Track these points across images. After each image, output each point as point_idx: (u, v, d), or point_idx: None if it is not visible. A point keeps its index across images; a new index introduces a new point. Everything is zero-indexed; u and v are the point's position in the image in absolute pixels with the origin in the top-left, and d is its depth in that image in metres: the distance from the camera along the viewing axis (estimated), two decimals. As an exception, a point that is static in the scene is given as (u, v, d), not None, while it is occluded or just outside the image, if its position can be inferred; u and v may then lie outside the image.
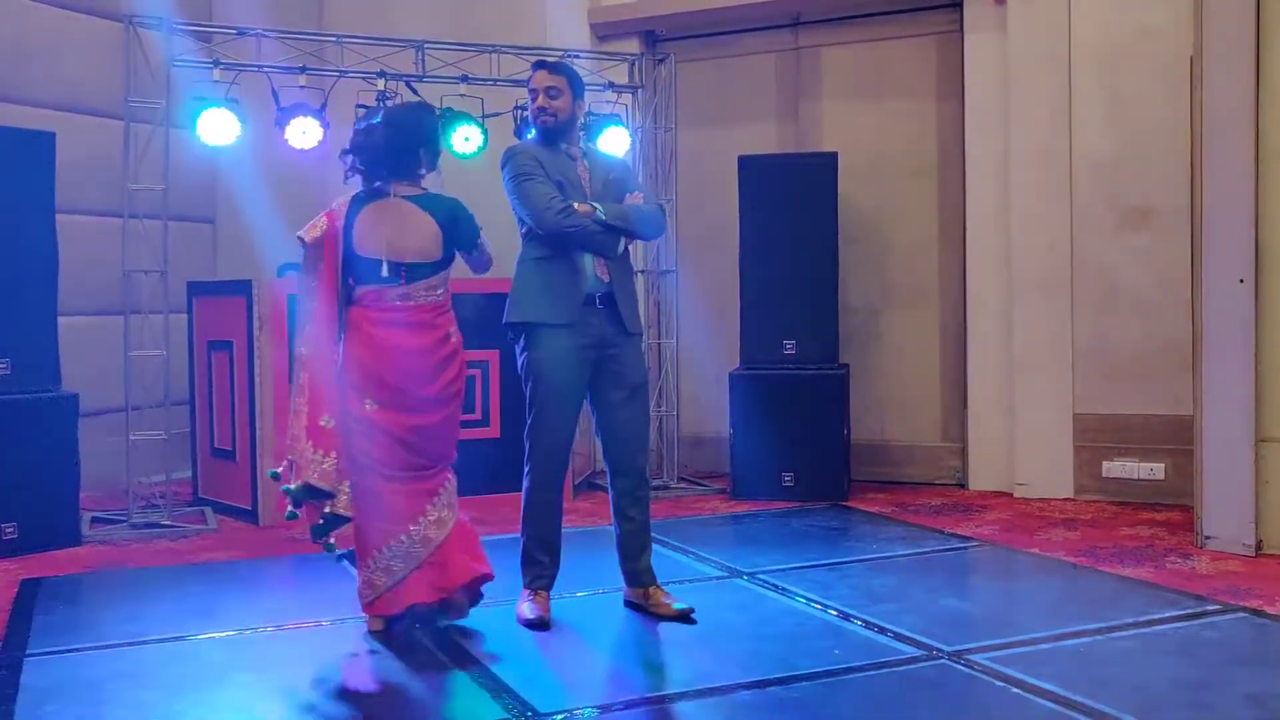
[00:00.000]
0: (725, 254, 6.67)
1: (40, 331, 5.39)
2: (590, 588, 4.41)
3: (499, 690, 3.38)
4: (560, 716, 3.18)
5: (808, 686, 3.38)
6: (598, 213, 3.95)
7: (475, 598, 4.08)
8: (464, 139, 6.35)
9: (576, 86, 4.10)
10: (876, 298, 7.02)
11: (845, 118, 7.10)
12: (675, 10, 7.18)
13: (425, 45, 6.37)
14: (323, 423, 3.85)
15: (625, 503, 4.13)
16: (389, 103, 5.96)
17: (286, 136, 6.00)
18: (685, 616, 4.02)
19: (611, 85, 6.77)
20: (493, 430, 6.25)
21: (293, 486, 3.84)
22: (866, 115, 7.05)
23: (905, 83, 6.96)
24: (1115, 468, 6.16)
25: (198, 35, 6.11)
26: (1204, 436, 5.01)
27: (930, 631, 3.84)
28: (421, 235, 3.90)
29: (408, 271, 3.88)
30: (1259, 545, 4.87)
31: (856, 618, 4.04)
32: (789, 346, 6.42)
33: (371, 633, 3.93)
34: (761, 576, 4.64)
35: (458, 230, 3.97)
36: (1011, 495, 6.35)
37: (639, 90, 6.96)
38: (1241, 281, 4.87)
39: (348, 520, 3.89)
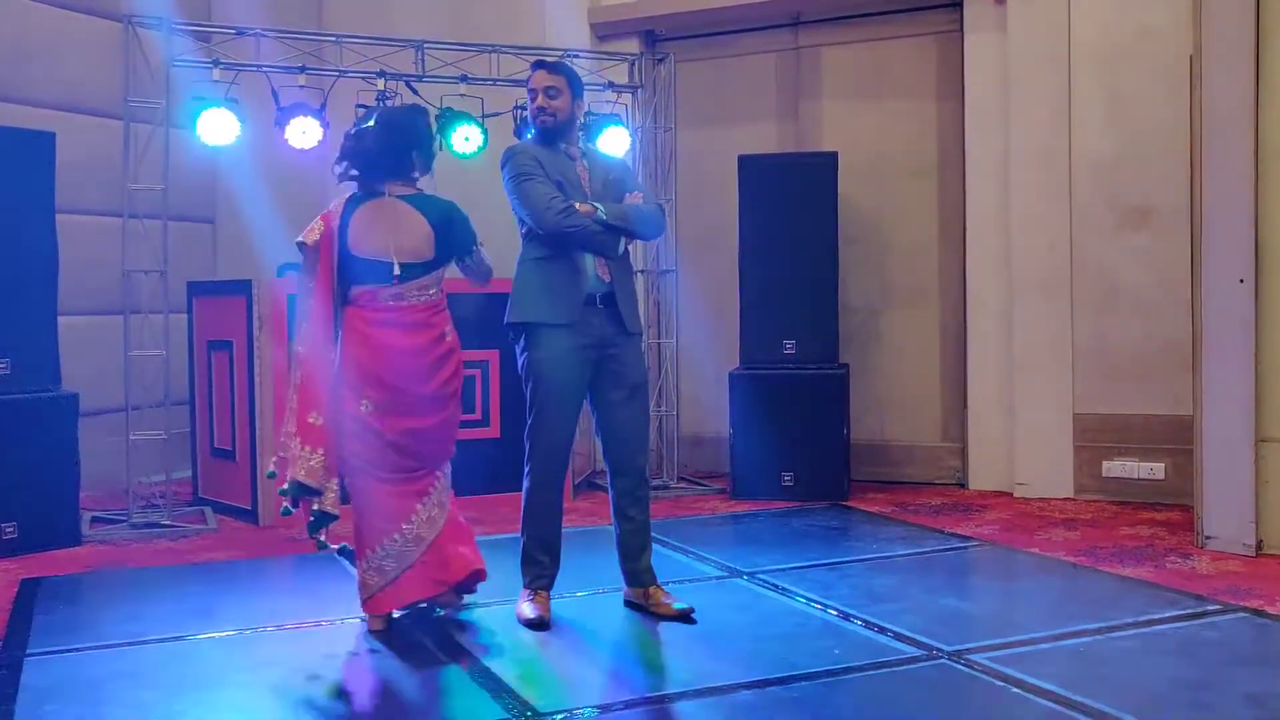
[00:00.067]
0: (725, 254, 6.67)
1: (40, 331, 5.39)
2: (590, 587, 4.40)
3: (499, 690, 3.38)
4: (560, 716, 3.18)
5: (808, 686, 3.37)
6: (598, 213, 3.95)
7: (468, 589, 4.13)
8: (464, 139, 6.35)
9: (575, 86, 4.10)
10: (876, 297, 7.02)
11: (845, 117, 7.10)
12: (675, 10, 7.18)
13: (425, 45, 6.37)
14: (311, 419, 3.87)
15: (625, 502, 4.13)
16: (388, 102, 5.97)
17: (286, 136, 6.00)
18: (685, 616, 4.02)
19: (611, 85, 6.77)
20: (492, 430, 6.25)
21: (286, 486, 3.87)
22: (866, 115, 7.05)
23: (905, 82, 6.97)
24: (1115, 467, 6.16)
25: (197, 35, 6.12)
26: (1204, 436, 5.01)
27: (930, 631, 3.84)
28: (414, 235, 3.91)
29: (401, 272, 3.89)
30: (1259, 545, 4.87)
31: (856, 617, 4.04)
32: (789, 346, 6.42)
33: (372, 632, 3.94)
34: (761, 576, 4.64)
35: (451, 231, 3.97)
36: (1011, 495, 6.35)
37: (639, 90, 6.96)
38: (1241, 281, 4.87)
39: (335, 518, 3.90)
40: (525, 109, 4.73)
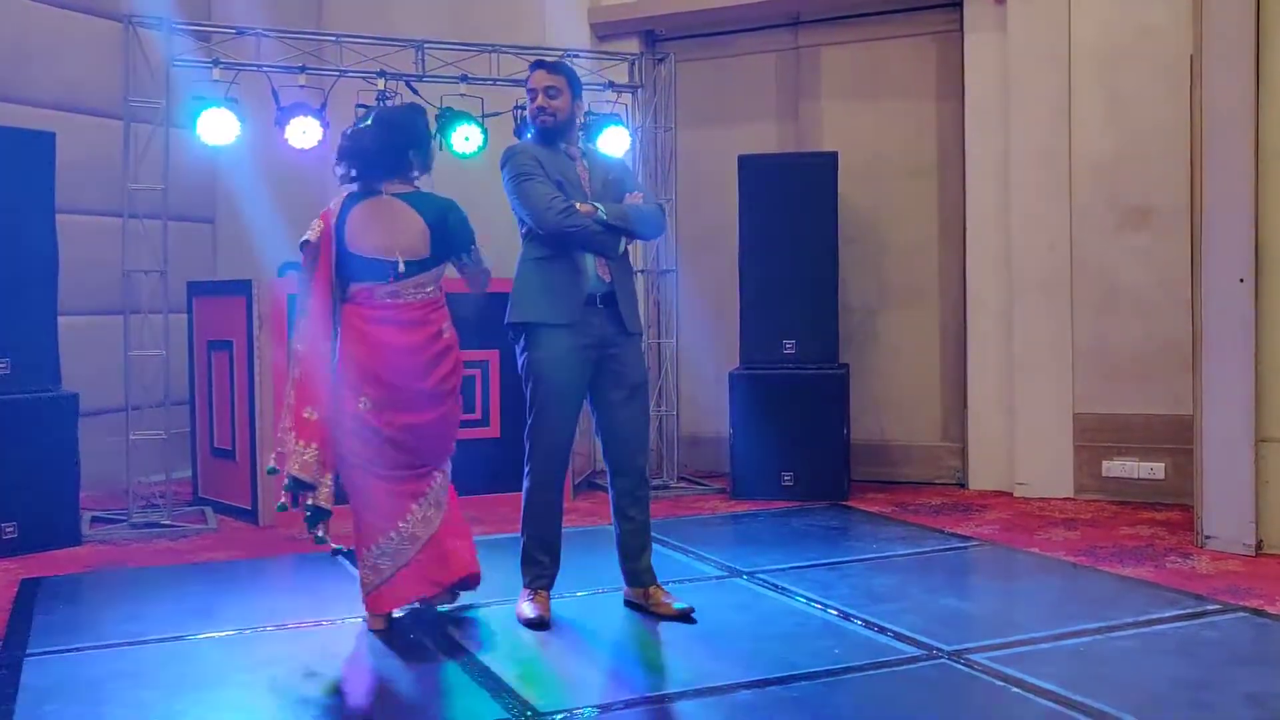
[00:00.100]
0: (725, 254, 6.67)
1: (40, 331, 5.39)
2: (590, 587, 4.40)
3: (499, 689, 3.38)
4: (560, 716, 3.18)
5: (808, 686, 3.37)
6: (599, 213, 3.95)
7: (465, 587, 4.15)
8: (464, 139, 6.35)
9: (575, 86, 4.10)
10: (876, 297, 7.02)
11: (845, 117, 7.10)
12: (675, 10, 7.18)
13: (425, 45, 6.37)
14: (307, 415, 3.88)
15: (625, 502, 4.13)
16: (388, 102, 5.97)
17: (286, 136, 6.00)
18: (685, 616, 4.02)
19: (611, 85, 6.77)
20: (492, 430, 6.25)
21: (286, 481, 3.88)
22: (866, 115, 7.05)
23: (905, 82, 6.97)
24: (1115, 467, 6.17)
25: (197, 35, 6.12)
26: (1204, 436, 5.01)
27: (930, 631, 3.84)
28: (409, 233, 3.92)
29: (395, 270, 3.90)
30: (1259, 545, 4.87)
31: (856, 617, 4.04)
32: (789, 346, 6.42)
33: (372, 631, 3.94)
34: (761, 576, 4.64)
35: (447, 230, 3.97)
36: (1011, 495, 6.35)
37: (639, 90, 6.96)
38: (1241, 281, 4.87)
39: (329, 513, 3.91)
40: (525, 109, 4.74)
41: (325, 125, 6.00)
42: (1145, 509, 5.91)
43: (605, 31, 7.37)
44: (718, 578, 4.68)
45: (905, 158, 6.96)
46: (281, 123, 5.97)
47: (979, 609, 4.35)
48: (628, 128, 6.70)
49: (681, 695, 3.33)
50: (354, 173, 3.98)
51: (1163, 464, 6.05)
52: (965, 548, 5.23)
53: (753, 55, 7.35)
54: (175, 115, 5.86)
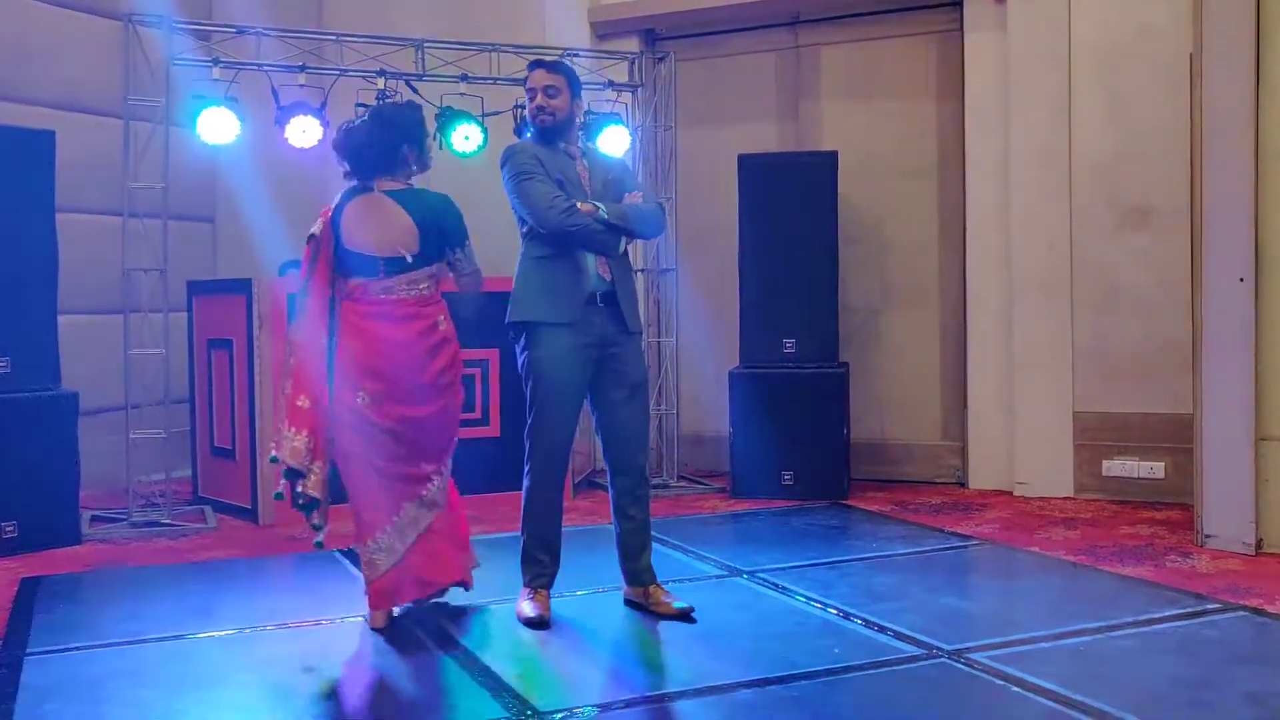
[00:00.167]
0: (725, 253, 6.67)
1: (40, 330, 5.39)
2: (590, 586, 4.40)
3: (499, 688, 3.39)
4: (560, 715, 3.18)
5: (808, 685, 3.37)
6: (600, 212, 3.95)
7: (460, 585, 4.20)
8: (464, 138, 6.34)
9: (574, 85, 4.10)
10: (876, 297, 7.02)
11: (845, 117, 7.10)
12: (675, 9, 7.18)
13: (425, 44, 6.37)
14: (299, 403, 3.92)
15: (625, 501, 4.13)
16: (387, 101, 5.97)
17: (286, 135, 6.00)
18: (685, 615, 4.02)
19: (611, 84, 6.76)
20: (492, 429, 6.25)
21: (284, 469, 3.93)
22: (866, 114, 7.05)
23: (905, 82, 6.96)
24: (1115, 466, 6.16)
25: (197, 34, 6.11)
26: (1204, 435, 5.01)
27: (930, 630, 3.84)
28: (397, 230, 3.94)
29: (386, 265, 3.92)
30: (1259, 544, 4.87)
31: (856, 616, 4.04)
32: (789, 345, 6.42)
33: (373, 630, 3.94)
34: (761, 575, 4.64)
35: (437, 228, 3.97)
36: (1011, 494, 6.35)
37: (638, 89, 6.96)
38: (1241, 281, 4.87)
39: (318, 500, 3.92)
40: (525, 108, 4.73)
41: (325, 124, 5.99)
42: (1145, 508, 5.91)
43: (605, 30, 7.37)
44: (718, 577, 4.68)
45: (905, 157, 6.95)
46: (281, 122, 5.97)
47: (979, 608, 4.35)
48: (627, 127, 6.70)
49: (681, 694, 3.33)
50: (347, 167, 4.01)
51: (1163, 463, 6.05)
52: (965, 547, 5.23)
53: (753, 55, 7.35)
54: (175, 114, 5.86)
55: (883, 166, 6.95)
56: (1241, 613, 4.05)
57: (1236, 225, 4.87)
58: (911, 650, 3.67)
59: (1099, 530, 5.46)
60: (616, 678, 3.61)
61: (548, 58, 4.46)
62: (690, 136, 7.12)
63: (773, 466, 6.31)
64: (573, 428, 4.11)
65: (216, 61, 5.89)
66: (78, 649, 3.80)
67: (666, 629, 3.97)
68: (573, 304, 3.96)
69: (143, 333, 5.78)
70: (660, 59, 7.00)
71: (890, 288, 7.01)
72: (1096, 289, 6.20)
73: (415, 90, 6.20)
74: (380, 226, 3.93)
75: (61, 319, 5.57)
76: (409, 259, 3.92)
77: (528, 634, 3.91)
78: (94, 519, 5.78)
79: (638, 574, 4.16)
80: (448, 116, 6.27)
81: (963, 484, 6.67)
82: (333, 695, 3.46)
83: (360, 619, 4.04)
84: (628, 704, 3.26)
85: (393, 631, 3.94)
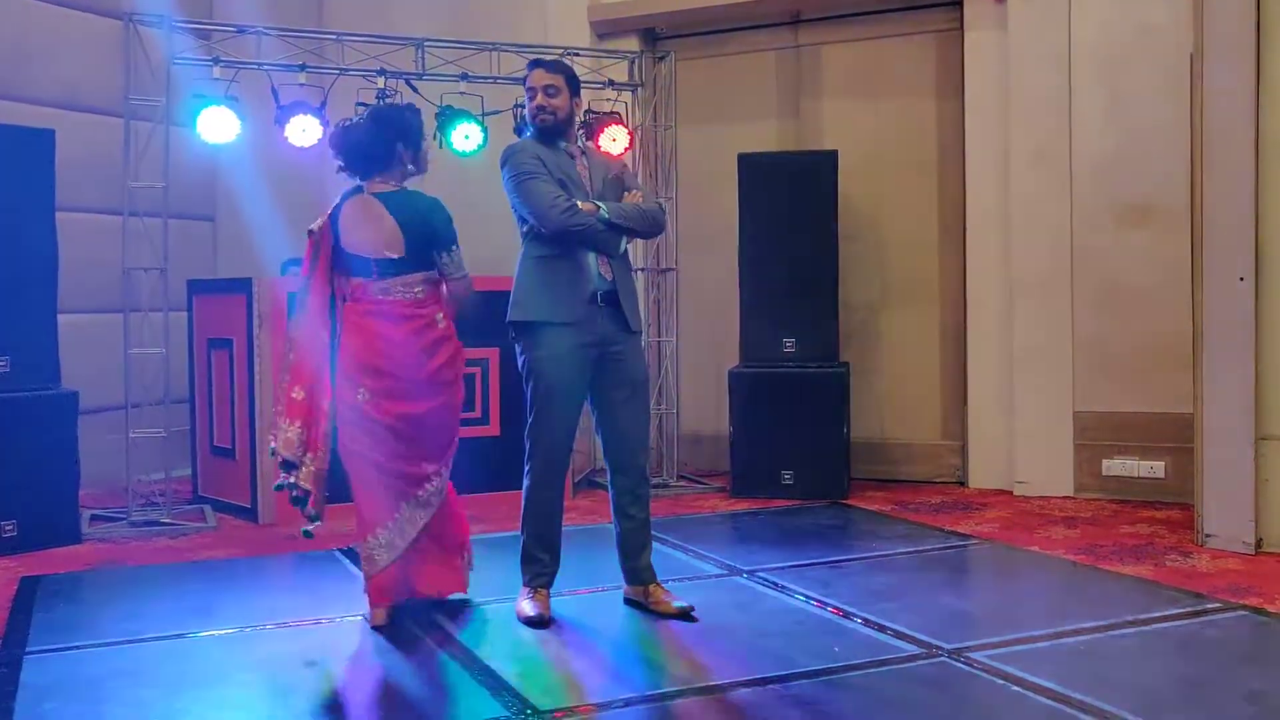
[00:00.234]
0: (725, 252, 6.67)
1: (40, 329, 5.39)
2: (590, 585, 4.40)
3: (499, 688, 3.39)
4: (560, 714, 3.18)
5: (808, 684, 3.37)
6: (601, 211, 3.95)
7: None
8: (464, 137, 6.35)
9: (574, 84, 4.10)
10: (876, 296, 7.02)
11: (845, 116, 7.10)
12: (675, 8, 7.17)
13: (425, 43, 6.37)
14: (294, 394, 3.96)
15: (625, 501, 4.13)
16: (388, 100, 5.97)
17: (286, 134, 6.00)
18: (685, 614, 4.02)
19: (611, 83, 6.76)
20: (492, 428, 6.25)
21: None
22: (866, 113, 7.05)
23: (905, 81, 6.96)
24: (1115, 466, 6.16)
25: (198, 33, 6.11)
26: (1204, 434, 5.01)
27: (930, 629, 3.84)
28: (384, 232, 3.96)
29: (379, 267, 3.95)
30: (1259, 543, 4.87)
31: (856, 615, 4.04)
32: (789, 344, 6.42)
33: (373, 628, 3.95)
34: (761, 574, 4.64)
35: (422, 231, 3.97)
36: (1011, 493, 6.35)
37: (639, 88, 6.96)
38: (1241, 280, 4.87)
39: (309, 492, 3.94)
40: (524, 107, 4.73)
41: (325, 124, 5.99)
42: (1145, 507, 5.91)
43: (605, 30, 7.37)
44: (718, 576, 4.68)
45: (905, 156, 6.95)
46: (282, 121, 5.97)
47: (979, 607, 4.35)
48: (628, 126, 6.70)
49: (681, 693, 3.33)
50: (341, 163, 4.03)
51: (1163, 462, 6.05)
52: (965, 546, 5.23)
53: (753, 53, 7.35)
54: (175, 113, 5.86)
55: (883, 165, 6.95)
56: (1241, 612, 4.05)
57: (1236, 225, 4.87)
58: (911, 649, 3.67)
59: (1099, 530, 5.46)
60: (616, 677, 3.60)
61: (547, 57, 4.46)
62: (690, 136, 7.11)
63: (773, 466, 6.31)
64: (573, 427, 4.10)
65: (217, 61, 5.89)
66: (77, 648, 3.80)
67: (666, 628, 3.97)
68: (574, 304, 3.96)
69: (143, 332, 5.78)
70: (660, 58, 7.00)
71: (890, 287, 7.01)
72: (1096, 288, 6.20)
73: (415, 89, 6.20)
74: (370, 228, 3.96)
75: (61, 318, 5.57)
76: (394, 260, 3.93)
77: (528, 633, 3.91)
78: (94, 518, 5.78)
79: (638, 573, 4.16)
80: (448, 116, 6.27)
81: (963, 483, 6.67)
82: (333, 694, 3.46)
83: (360, 618, 4.04)
84: (627, 703, 3.26)
85: (393, 630, 3.94)
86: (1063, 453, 6.26)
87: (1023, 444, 6.35)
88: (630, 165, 5.48)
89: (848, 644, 3.74)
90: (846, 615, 4.06)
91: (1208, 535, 5.00)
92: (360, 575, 4.12)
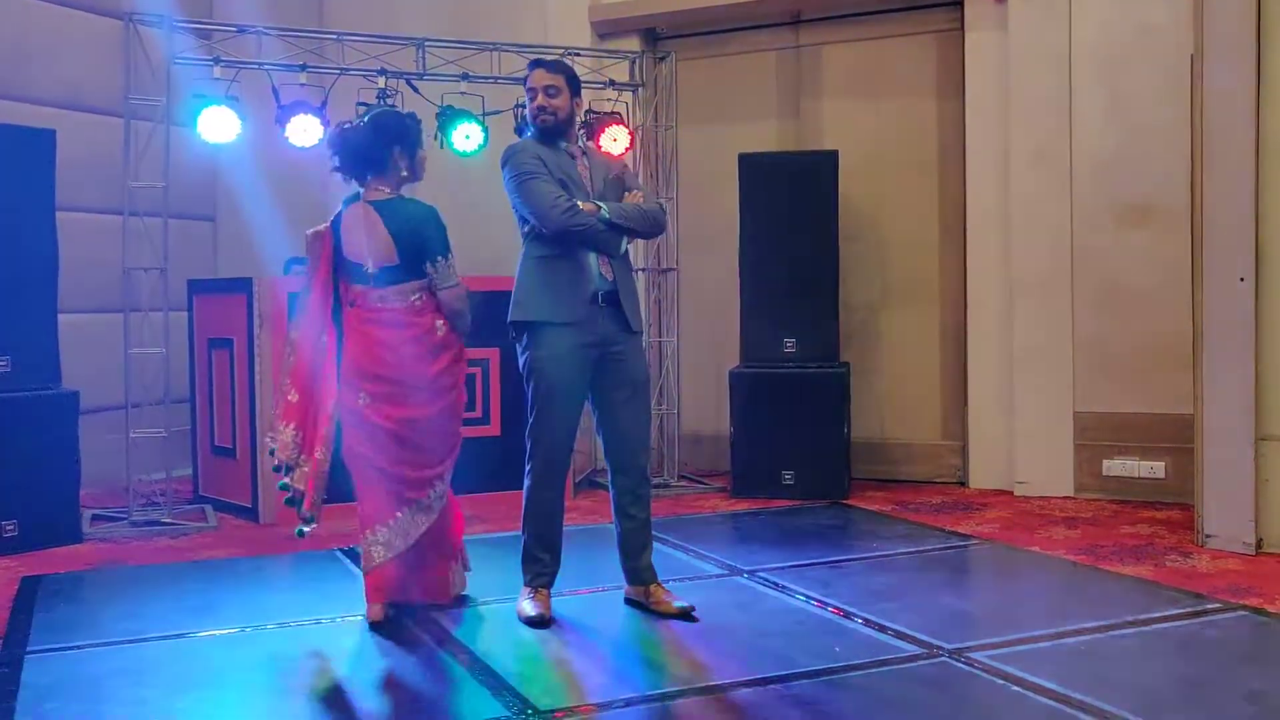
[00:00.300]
0: (725, 252, 6.67)
1: (40, 329, 5.39)
2: (591, 585, 4.40)
3: (499, 687, 3.39)
4: (560, 713, 3.18)
5: (808, 684, 3.38)
6: (602, 211, 3.95)
7: None
8: (464, 137, 6.35)
9: (574, 85, 4.10)
10: (877, 296, 7.02)
11: (846, 116, 7.10)
12: (676, 8, 7.18)
13: (426, 43, 6.37)
14: (290, 397, 3.99)
15: (626, 501, 4.13)
16: (389, 100, 5.98)
17: (287, 134, 6.00)
18: (686, 614, 4.02)
19: (612, 83, 6.76)
20: (493, 428, 6.25)
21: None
22: (867, 113, 7.05)
23: (906, 81, 6.96)
24: (1115, 466, 6.17)
25: (198, 33, 6.11)
26: (1204, 435, 5.01)
27: (931, 629, 3.84)
28: (379, 241, 3.97)
29: (375, 275, 3.96)
30: (1259, 543, 4.87)
31: (857, 615, 4.04)
32: (789, 344, 6.42)
33: (372, 625, 3.95)
34: (762, 574, 4.64)
35: (413, 240, 3.96)
36: (1012, 493, 6.35)
37: (639, 88, 6.96)
38: (1242, 280, 4.87)
39: (304, 493, 3.95)
40: (525, 107, 4.74)
41: (326, 123, 5.99)
42: (1145, 508, 5.91)
43: (606, 30, 7.37)
44: (718, 576, 4.68)
45: (906, 156, 6.95)
46: (282, 121, 5.97)
47: (979, 607, 4.35)
48: (628, 126, 6.70)
49: (682, 693, 3.33)
50: (336, 163, 4.05)
51: (1163, 463, 6.05)
52: (965, 546, 5.23)
53: (753, 53, 7.35)
54: (176, 113, 5.86)
55: (883, 165, 6.95)
56: (1241, 612, 4.05)
57: (1236, 225, 4.88)
58: (912, 649, 3.67)
59: (1099, 530, 5.46)
60: (617, 677, 3.61)
61: (548, 57, 4.46)
62: (691, 136, 7.12)
63: (773, 466, 6.31)
64: (574, 427, 4.10)
65: (217, 60, 5.89)
66: (78, 648, 3.80)
67: (667, 628, 3.97)
68: (575, 304, 3.96)
69: (143, 332, 5.78)
70: (661, 58, 7.00)
71: (891, 287, 7.01)
72: (1097, 288, 6.20)
73: (416, 89, 6.20)
74: (367, 237, 3.97)
75: (62, 318, 5.57)
76: (390, 268, 3.94)
77: (528, 633, 3.91)
78: (94, 518, 5.78)
79: (638, 573, 4.16)
80: (448, 115, 6.27)
81: (963, 483, 6.67)
82: (333, 693, 3.46)
83: (360, 618, 4.04)
84: (628, 703, 3.27)
85: (393, 630, 3.94)
86: (1063, 453, 6.26)
87: (1023, 444, 6.36)
88: (631, 165, 5.46)
89: (848, 644, 3.74)
90: (847, 615, 4.06)
91: (1208, 535, 5.00)
92: (361, 574, 4.12)
